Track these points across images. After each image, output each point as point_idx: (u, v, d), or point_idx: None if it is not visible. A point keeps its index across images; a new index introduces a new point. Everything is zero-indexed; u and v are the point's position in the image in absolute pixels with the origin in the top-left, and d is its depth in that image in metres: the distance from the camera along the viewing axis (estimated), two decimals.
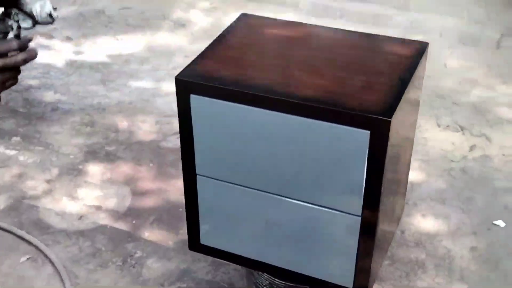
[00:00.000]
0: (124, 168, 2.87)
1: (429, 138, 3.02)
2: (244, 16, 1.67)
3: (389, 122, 1.26)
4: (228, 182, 1.52)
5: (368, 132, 1.28)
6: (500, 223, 2.51)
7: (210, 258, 2.36)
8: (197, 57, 1.51)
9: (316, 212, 1.45)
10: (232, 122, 1.43)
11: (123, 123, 3.19)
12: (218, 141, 1.48)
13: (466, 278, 2.27)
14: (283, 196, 1.47)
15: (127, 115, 3.26)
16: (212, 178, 1.54)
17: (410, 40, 1.56)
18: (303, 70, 1.44)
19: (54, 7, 4.25)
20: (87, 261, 2.36)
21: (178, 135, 3.04)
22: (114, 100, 3.40)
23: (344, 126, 1.30)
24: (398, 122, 1.33)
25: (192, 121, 1.47)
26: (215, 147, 1.49)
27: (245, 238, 1.60)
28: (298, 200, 1.46)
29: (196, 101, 1.43)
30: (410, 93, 1.41)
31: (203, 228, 1.64)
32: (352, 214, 1.41)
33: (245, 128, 1.42)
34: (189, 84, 1.43)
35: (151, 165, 2.89)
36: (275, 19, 1.68)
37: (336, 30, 1.60)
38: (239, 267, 2.32)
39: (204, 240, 1.66)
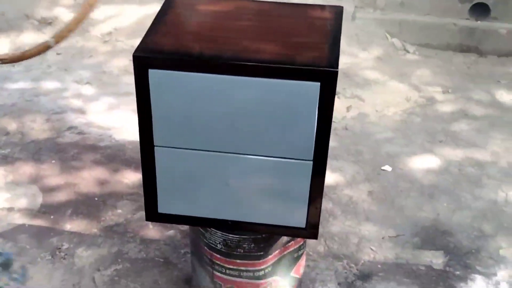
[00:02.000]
0: (26, 168, 2.84)
1: None
2: None
3: (336, 72, 1.48)
4: (186, 149, 1.64)
5: (319, 83, 1.49)
6: (387, 168, 2.85)
7: (138, 238, 2.46)
8: (145, 36, 1.62)
9: (272, 163, 1.63)
10: (189, 91, 1.55)
11: (11, 125, 3.13)
12: (175, 111, 1.59)
13: (370, 217, 2.58)
14: (240, 154, 1.63)
15: (14, 117, 3.19)
16: (170, 147, 1.65)
17: (327, 5, 1.79)
18: (247, 38, 1.60)
19: None
20: (15, 260, 2.35)
21: (73, 130, 3.08)
22: None
23: (296, 81, 1.49)
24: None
25: (150, 95, 1.58)
26: (172, 117, 1.61)
27: (204, 200, 1.73)
28: (255, 155, 1.62)
29: (153, 75, 1.54)
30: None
31: (161, 197, 1.75)
32: (305, 160, 1.61)
33: (202, 95, 1.55)
34: (146, 60, 1.53)
35: (53, 161, 2.89)
36: None
37: (262, 2, 1.78)
38: (169, 241, 2.44)
39: (162, 208, 1.77)
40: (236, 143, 1.62)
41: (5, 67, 3.66)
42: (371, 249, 2.43)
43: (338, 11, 1.73)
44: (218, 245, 1.89)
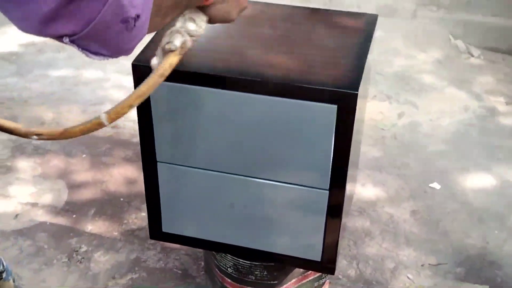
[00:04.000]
0: (56, 162, 2.76)
1: None
2: None
3: (356, 95, 1.28)
4: (191, 167, 1.49)
5: (336, 106, 1.29)
6: (436, 185, 2.61)
7: (159, 246, 2.33)
8: (149, 42, 1.47)
9: (284, 190, 1.45)
10: (193, 106, 1.39)
11: (48, 115, 3.06)
12: (179, 126, 1.44)
13: (411, 240, 2.35)
14: (249, 177, 1.46)
15: (51, 106, 3.13)
16: (174, 164, 1.50)
17: (359, 13, 1.58)
18: (262, 49, 1.42)
19: None
20: (30, 260, 2.26)
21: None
22: (35, 91, 3.25)
23: (311, 102, 1.31)
24: (360, 94, 1.35)
25: (151, 108, 1.43)
26: (175, 133, 1.46)
27: (210, 222, 1.58)
28: (264, 179, 1.45)
29: None
30: (367, 65, 1.43)
31: (165, 215, 1.61)
32: (320, 189, 1.43)
33: (207, 111, 1.39)
34: (146, 70, 1.38)
35: (84, 156, 2.80)
36: None
37: (282, 6, 1.60)
38: (190, 252, 2.30)
39: (166, 227, 1.63)
40: (243, 164, 1.45)
41: (51, 54, 3.61)
42: (408, 277, 2.21)
43: (370, 21, 1.52)
44: (228, 269, 1.74)
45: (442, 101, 3.14)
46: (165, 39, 0.91)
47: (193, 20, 0.91)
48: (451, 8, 3.60)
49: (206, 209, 1.56)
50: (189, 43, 0.92)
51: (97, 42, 0.74)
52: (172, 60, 0.91)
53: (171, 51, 0.91)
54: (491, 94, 3.18)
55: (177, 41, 0.90)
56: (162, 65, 0.91)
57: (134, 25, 0.74)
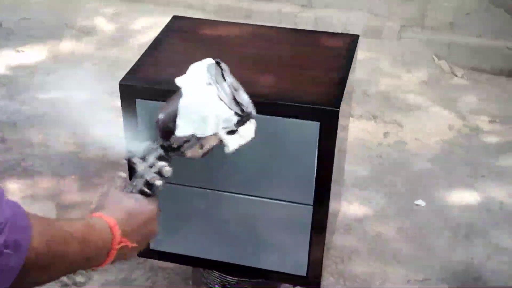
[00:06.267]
0: (45, 183, 2.77)
1: None
2: (176, 18, 1.68)
3: (338, 112, 1.32)
4: (176, 184, 1.52)
5: (318, 123, 1.33)
6: (421, 202, 2.65)
7: (148, 265, 2.34)
8: (137, 62, 1.51)
9: (269, 206, 1.48)
10: None
11: (37, 137, 3.08)
12: None
13: (398, 257, 2.38)
14: (234, 193, 1.49)
15: (41, 128, 3.15)
16: None
17: (341, 33, 1.63)
18: (246, 68, 1.46)
19: None
20: None
21: (98, 144, 3.01)
22: (24, 114, 3.27)
23: (294, 119, 1.34)
24: (343, 111, 1.39)
25: (138, 126, 1.46)
26: None
27: (196, 239, 1.61)
28: (250, 196, 1.48)
29: (142, 105, 1.43)
30: (348, 83, 1.47)
31: None
32: (304, 204, 1.46)
33: None
34: (134, 89, 1.42)
35: (73, 177, 2.82)
36: (207, 20, 1.70)
37: (270, 27, 1.64)
38: (178, 270, 2.32)
39: (154, 245, 1.65)
40: (228, 181, 1.48)
41: (41, 76, 3.63)
42: None
43: (352, 41, 1.57)
44: (216, 285, 1.76)
45: (427, 120, 3.19)
46: None
47: None
48: (435, 29, 3.67)
49: (192, 226, 1.59)
50: None
51: None
52: None
53: None
54: (475, 113, 3.24)
55: None
56: None
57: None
